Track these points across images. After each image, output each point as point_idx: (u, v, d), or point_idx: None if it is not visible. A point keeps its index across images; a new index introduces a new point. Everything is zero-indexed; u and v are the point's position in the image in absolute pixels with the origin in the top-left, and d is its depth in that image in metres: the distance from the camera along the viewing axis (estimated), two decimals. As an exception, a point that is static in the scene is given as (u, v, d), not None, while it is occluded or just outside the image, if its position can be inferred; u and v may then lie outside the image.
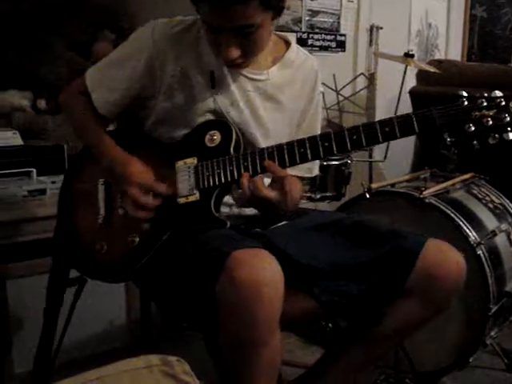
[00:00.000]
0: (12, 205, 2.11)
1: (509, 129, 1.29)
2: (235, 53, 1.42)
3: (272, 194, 1.39)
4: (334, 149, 1.39)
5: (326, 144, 1.39)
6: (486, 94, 1.30)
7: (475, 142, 1.31)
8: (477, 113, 1.30)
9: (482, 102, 1.30)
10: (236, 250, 1.28)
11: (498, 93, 1.30)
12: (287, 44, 1.65)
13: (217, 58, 1.52)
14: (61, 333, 1.89)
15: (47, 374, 1.89)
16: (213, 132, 1.51)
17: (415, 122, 1.32)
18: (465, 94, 1.31)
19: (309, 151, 1.41)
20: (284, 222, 1.66)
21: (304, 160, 1.43)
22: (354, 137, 1.37)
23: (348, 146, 1.38)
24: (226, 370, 1.37)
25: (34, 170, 2.20)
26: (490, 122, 1.29)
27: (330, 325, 2.25)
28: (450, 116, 1.31)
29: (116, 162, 1.55)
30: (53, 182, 2.19)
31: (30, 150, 2.26)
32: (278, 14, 1.45)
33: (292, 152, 1.42)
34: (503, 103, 1.29)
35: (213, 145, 1.50)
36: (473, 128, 1.30)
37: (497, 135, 1.30)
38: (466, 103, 1.31)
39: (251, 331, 1.25)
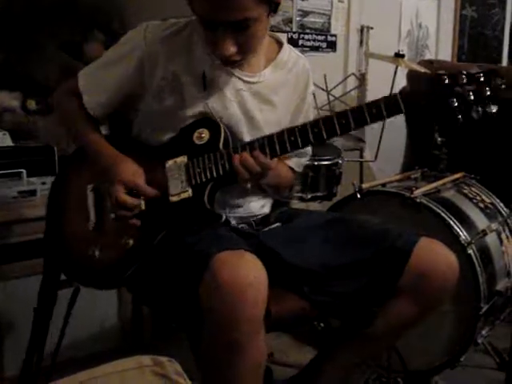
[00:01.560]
0: (2, 206, 2.10)
1: (490, 102, 1.33)
2: (232, 49, 1.41)
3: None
4: (324, 134, 1.40)
5: (316, 130, 1.40)
6: (465, 72, 1.34)
7: (459, 117, 1.35)
8: (458, 88, 1.33)
9: (463, 79, 1.33)
10: (220, 252, 1.28)
11: (477, 69, 1.35)
12: (279, 44, 1.66)
13: (212, 57, 1.51)
14: (58, 337, 1.88)
15: (34, 377, 1.88)
16: (201, 130, 1.51)
17: (400, 101, 1.34)
18: (443, 72, 1.35)
19: (299, 139, 1.41)
20: (277, 224, 1.67)
21: (295, 147, 1.43)
22: (343, 121, 1.38)
23: (337, 130, 1.39)
24: (210, 371, 1.36)
25: (24, 171, 2.19)
26: (472, 96, 1.32)
27: (321, 324, 2.25)
28: (433, 92, 1.35)
29: (109, 160, 1.54)
30: (43, 183, 2.18)
31: (20, 150, 2.26)
32: (274, 9, 1.45)
33: (282, 141, 1.42)
34: (482, 78, 1.33)
35: (202, 142, 1.50)
36: (456, 103, 1.33)
37: (479, 109, 1.34)
38: (447, 81, 1.34)
39: (235, 332, 1.25)
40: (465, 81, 1.33)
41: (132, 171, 1.51)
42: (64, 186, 1.70)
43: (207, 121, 1.53)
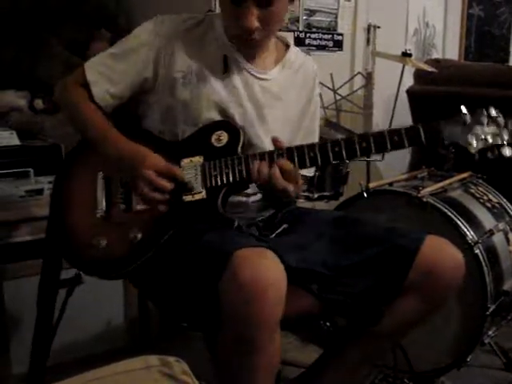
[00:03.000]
0: (9, 205, 2.10)
1: (506, 145, 1.37)
2: (256, 23, 1.45)
3: (290, 186, 1.42)
4: (344, 155, 1.41)
5: (337, 149, 1.41)
6: (485, 112, 1.37)
7: (476, 156, 1.38)
8: (479, 128, 1.36)
9: (483, 119, 1.36)
10: (240, 249, 1.28)
11: (495, 111, 1.38)
12: (286, 45, 1.69)
13: (233, 35, 1.54)
14: (52, 333, 1.88)
15: (42, 374, 1.88)
16: (220, 132, 1.51)
17: (422, 134, 1.37)
18: (465, 110, 1.38)
19: (319, 156, 1.43)
20: (284, 226, 1.65)
21: (314, 164, 1.44)
22: (364, 144, 1.40)
23: (358, 152, 1.41)
24: (226, 370, 1.37)
25: (32, 170, 2.19)
26: (490, 138, 1.36)
27: (327, 324, 2.25)
28: (454, 131, 1.37)
29: (126, 150, 1.51)
30: (50, 182, 2.18)
31: (28, 150, 2.26)
32: None
33: (302, 156, 1.43)
34: (503, 121, 1.36)
35: (220, 145, 1.50)
36: (474, 142, 1.36)
37: (495, 150, 1.37)
38: (468, 119, 1.36)
39: (253, 331, 1.26)
40: (485, 121, 1.36)
41: (154, 156, 1.49)
42: (72, 173, 1.67)
43: (226, 123, 1.54)
